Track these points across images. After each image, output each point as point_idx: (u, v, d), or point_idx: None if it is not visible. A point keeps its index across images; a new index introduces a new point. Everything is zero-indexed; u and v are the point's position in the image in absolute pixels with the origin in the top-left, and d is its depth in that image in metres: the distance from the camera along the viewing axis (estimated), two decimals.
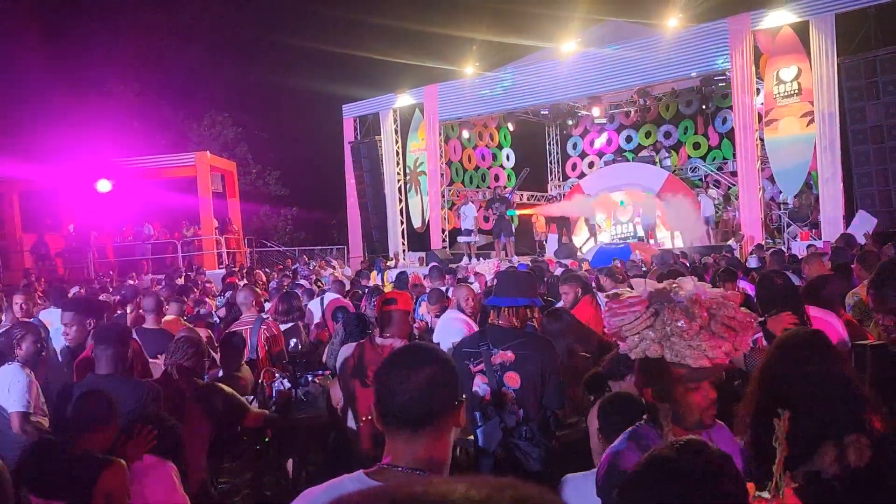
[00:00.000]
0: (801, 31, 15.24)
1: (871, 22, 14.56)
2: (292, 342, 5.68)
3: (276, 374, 5.30)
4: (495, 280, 4.59)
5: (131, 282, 13.87)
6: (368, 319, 5.09)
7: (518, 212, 20.84)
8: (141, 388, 3.84)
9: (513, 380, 3.44)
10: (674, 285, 2.20)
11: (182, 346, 4.31)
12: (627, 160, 22.29)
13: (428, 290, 7.60)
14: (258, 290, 7.08)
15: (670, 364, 2.10)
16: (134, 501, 3.00)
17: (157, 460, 3.22)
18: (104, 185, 20.40)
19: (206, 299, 10.78)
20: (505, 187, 22.36)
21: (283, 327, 5.98)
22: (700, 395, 2.08)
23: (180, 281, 13.29)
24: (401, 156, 22.51)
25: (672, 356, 2.09)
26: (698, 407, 2.09)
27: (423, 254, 20.13)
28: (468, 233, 18.60)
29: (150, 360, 5.07)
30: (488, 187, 23.09)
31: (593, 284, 7.15)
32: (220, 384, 4.49)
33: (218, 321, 8.47)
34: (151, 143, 27.78)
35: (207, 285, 13.32)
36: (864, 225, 12.65)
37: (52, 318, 6.38)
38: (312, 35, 28.43)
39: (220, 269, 18.36)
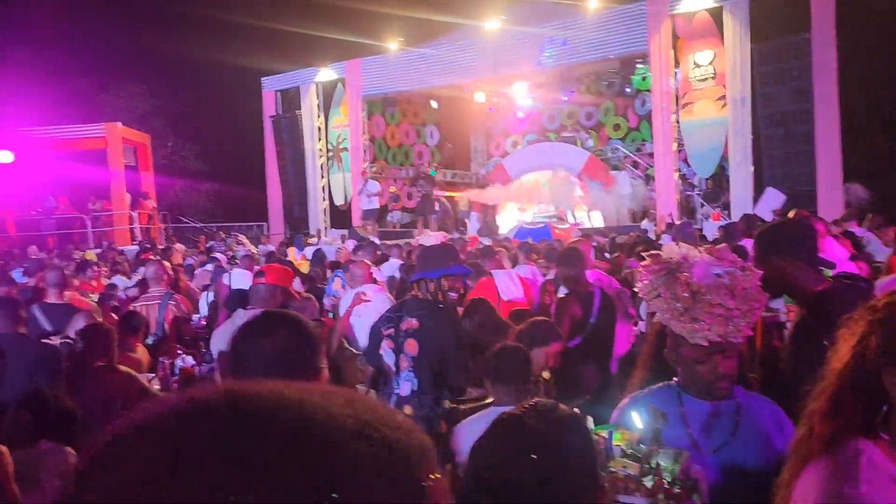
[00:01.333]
0: (717, 15, 15.64)
1: (785, 9, 15.07)
2: (195, 318, 5.50)
3: (179, 351, 5.13)
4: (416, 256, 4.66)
5: (34, 256, 13.25)
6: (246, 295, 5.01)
7: (446, 193, 20.82)
8: (39, 349, 3.67)
9: (411, 346, 3.50)
10: (684, 261, 2.14)
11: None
12: (550, 140, 22.51)
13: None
14: (172, 265, 6.86)
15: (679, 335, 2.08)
16: (30, 489, 2.83)
17: (55, 446, 3.04)
18: (5, 156, 19.32)
19: (116, 276, 10.40)
20: (429, 164, 22.35)
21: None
22: (706, 367, 2.04)
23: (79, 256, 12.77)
24: (323, 131, 22.12)
25: (676, 329, 2.08)
26: (703, 379, 2.06)
27: (345, 231, 19.89)
28: (371, 213, 18.69)
29: (46, 340, 4.83)
30: (411, 165, 22.97)
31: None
32: (117, 364, 4.31)
33: (124, 298, 8.15)
34: (62, 114, 26.44)
35: (118, 261, 12.85)
36: (771, 202, 13.17)
37: None
38: (233, 6, 27.54)
39: (133, 244, 17.70)
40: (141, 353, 5.04)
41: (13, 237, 18.54)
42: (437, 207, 19.05)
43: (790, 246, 2.58)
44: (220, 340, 3.74)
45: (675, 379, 2.21)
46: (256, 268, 6.36)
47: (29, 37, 26.91)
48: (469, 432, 2.67)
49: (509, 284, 6.01)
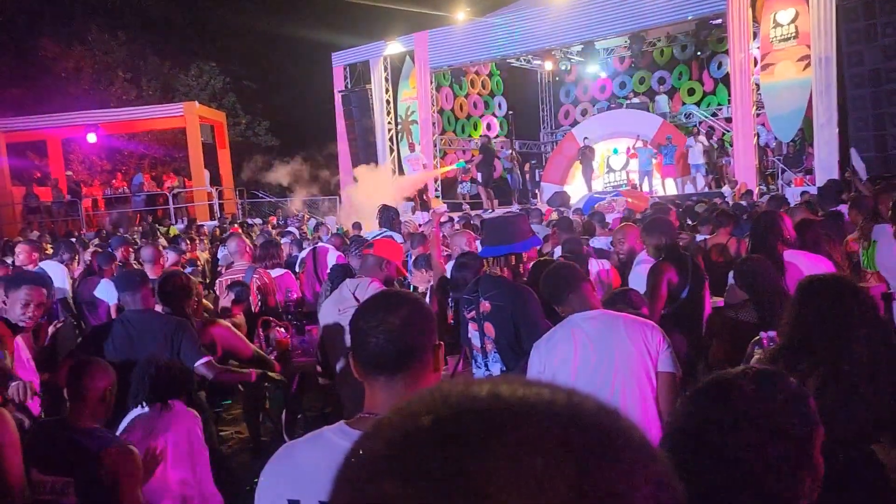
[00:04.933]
0: None
1: None
2: (288, 291, 5.67)
3: (273, 323, 5.31)
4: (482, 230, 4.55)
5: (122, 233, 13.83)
6: (353, 270, 5.09)
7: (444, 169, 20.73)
8: (166, 323, 3.87)
9: (490, 330, 3.48)
10: None
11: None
12: (621, 107, 22.06)
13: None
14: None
15: None
16: (160, 447, 3.03)
17: (184, 408, 3.24)
18: (91, 137, 20.14)
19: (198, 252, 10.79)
20: (497, 136, 22.26)
21: (273, 274, 5.94)
22: None
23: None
24: (392, 105, 22.23)
25: None
26: None
27: (413, 203, 20.04)
28: None
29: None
30: (482, 135, 22.91)
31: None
32: (222, 321, 4.53)
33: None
34: (139, 94, 27.34)
35: (202, 237, 13.32)
36: (857, 165, 12.65)
37: (53, 270, 6.36)
38: None
39: (212, 221, 18.29)
40: (240, 320, 5.23)
41: (104, 214, 19.40)
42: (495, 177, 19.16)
43: None
44: (327, 313, 3.83)
45: None
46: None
47: (107, 20, 27.80)
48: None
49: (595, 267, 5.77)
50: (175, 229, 16.20)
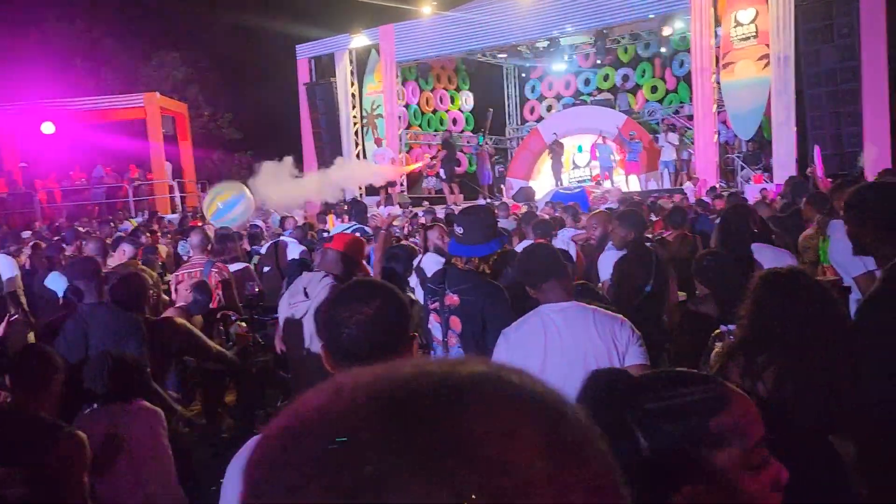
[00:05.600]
0: None
1: None
2: (248, 285, 5.59)
3: (232, 317, 5.23)
4: (453, 226, 4.42)
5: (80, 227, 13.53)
6: (310, 264, 5.05)
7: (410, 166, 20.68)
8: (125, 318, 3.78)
9: (455, 324, 3.43)
10: None
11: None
12: (585, 103, 22.22)
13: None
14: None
15: None
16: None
17: (146, 406, 3.16)
18: (48, 128, 19.66)
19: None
20: (462, 131, 22.25)
21: (232, 268, 5.85)
22: None
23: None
24: (357, 98, 22.09)
25: None
26: None
27: (379, 197, 19.97)
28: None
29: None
30: (446, 130, 22.90)
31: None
32: (179, 319, 4.42)
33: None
34: (97, 84, 26.74)
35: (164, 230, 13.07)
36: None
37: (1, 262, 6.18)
38: None
39: (173, 214, 17.99)
40: (197, 318, 5.14)
41: (60, 207, 18.95)
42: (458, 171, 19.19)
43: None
44: (282, 308, 3.78)
45: None
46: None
47: (66, 9, 27.16)
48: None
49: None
50: (135, 222, 15.89)
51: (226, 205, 10.83)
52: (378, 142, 21.02)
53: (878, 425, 2.35)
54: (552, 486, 0.42)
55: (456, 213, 11.17)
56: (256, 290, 5.63)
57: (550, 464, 0.43)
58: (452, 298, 3.46)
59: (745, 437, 1.03)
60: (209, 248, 6.06)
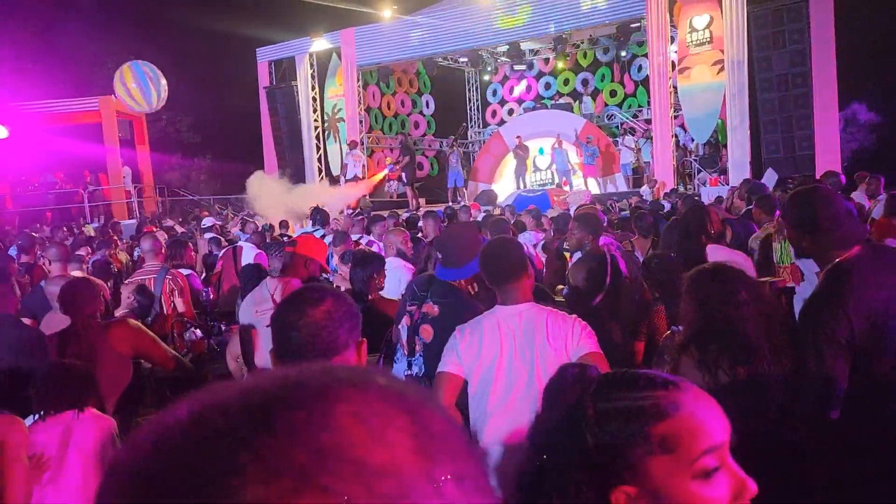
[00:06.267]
0: None
1: None
2: (203, 292, 5.53)
3: (188, 324, 5.18)
4: (435, 249, 4.32)
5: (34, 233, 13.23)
6: (265, 269, 5.01)
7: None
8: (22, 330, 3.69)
9: (426, 333, 3.40)
10: None
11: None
12: (546, 107, 22.41)
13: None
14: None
15: None
16: (69, 454, 2.91)
17: (97, 415, 3.11)
18: (1, 132, 19.18)
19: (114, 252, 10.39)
20: (424, 135, 22.21)
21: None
22: None
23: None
24: (318, 102, 21.98)
25: None
26: None
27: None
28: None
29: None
30: (408, 134, 22.89)
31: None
32: (132, 321, 4.34)
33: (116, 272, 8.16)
34: (55, 89, 26.17)
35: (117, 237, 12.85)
36: (769, 180, 13.21)
37: None
38: None
39: (131, 220, 17.71)
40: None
41: (11, 213, 18.51)
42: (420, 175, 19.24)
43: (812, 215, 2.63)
44: (244, 314, 3.74)
45: None
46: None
47: (20, 11, 26.54)
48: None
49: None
50: (90, 228, 15.59)
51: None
52: (353, 144, 20.77)
53: (817, 424, 2.44)
54: (430, 482, 0.42)
55: (420, 216, 11.23)
56: (212, 296, 5.58)
57: (424, 459, 0.43)
58: (432, 308, 3.42)
59: (691, 444, 1.02)
60: (161, 252, 5.96)
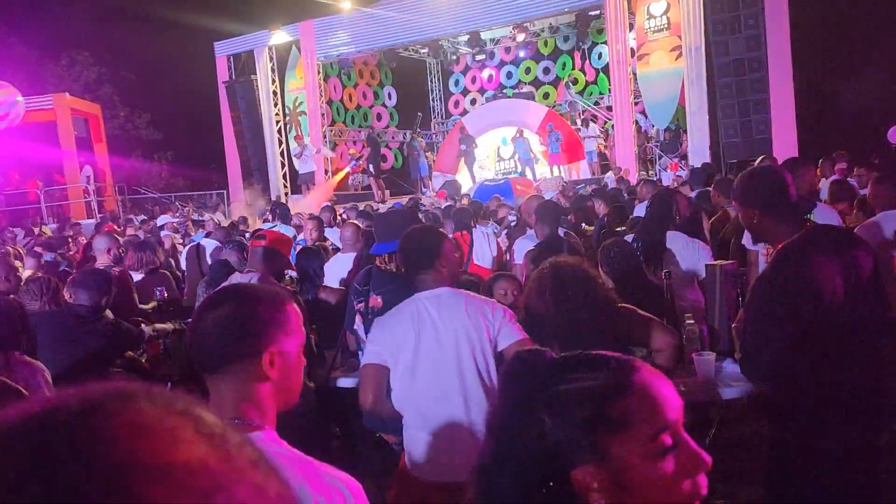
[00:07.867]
0: None
1: None
2: (158, 291, 5.42)
3: (141, 324, 5.07)
4: (373, 227, 4.39)
5: None
6: (232, 265, 4.94)
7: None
8: None
9: None
10: None
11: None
12: (508, 96, 22.42)
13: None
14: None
15: None
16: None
17: (24, 359, 3.05)
18: None
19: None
20: (387, 127, 22.11)
21: (137, 277, 5.67)
22: None
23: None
24: (279, 95, 21.71)
25: None
26: None
27: (303, 196, 19.71)
28: (309, 176, 19.33)
29: None
30: (370, 127, 22.77)
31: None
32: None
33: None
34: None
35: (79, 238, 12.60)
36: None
37: None
38: None
39: (89, 220, 17.35)
40: None
41: None
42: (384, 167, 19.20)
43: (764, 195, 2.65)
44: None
45: None
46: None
47: None
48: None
49: (485, 247, 5.94)
50: (48, 229, 15.25)
51: None
52: (298, 139, 20.57)
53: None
54: (235, 472, 0.43)
55: (376, 210, 11.20)
56: (165, 294, 5.47)
57: (220, 452, 0.44)
58: (376, 300, 3.44)
59: (649, 421, 1.03)
60: (110, 252, 5.81)
